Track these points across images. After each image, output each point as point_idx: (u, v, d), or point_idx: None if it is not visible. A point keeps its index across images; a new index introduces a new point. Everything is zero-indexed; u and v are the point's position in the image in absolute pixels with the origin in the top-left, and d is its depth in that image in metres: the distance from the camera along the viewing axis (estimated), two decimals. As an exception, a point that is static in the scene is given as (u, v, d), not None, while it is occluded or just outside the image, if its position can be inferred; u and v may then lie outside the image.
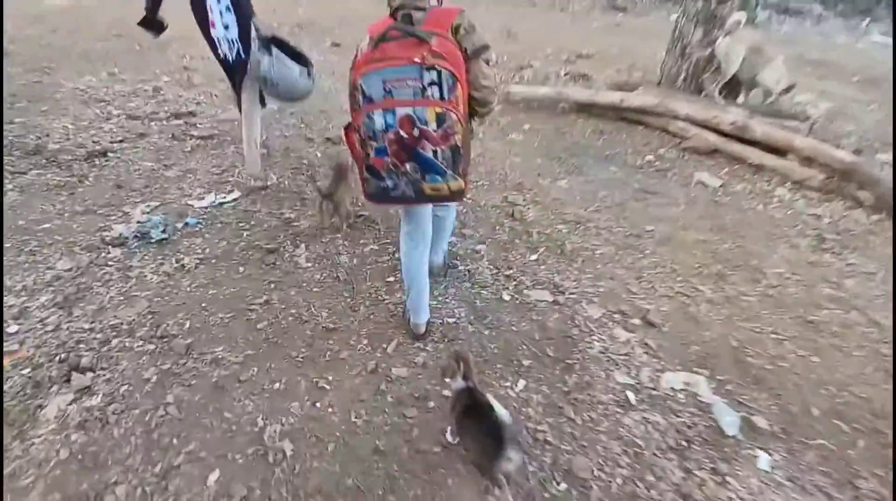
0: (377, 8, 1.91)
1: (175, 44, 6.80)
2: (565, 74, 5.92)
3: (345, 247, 2.67)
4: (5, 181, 3.01)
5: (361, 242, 2.72)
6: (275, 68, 2.58)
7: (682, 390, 1.91)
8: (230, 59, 2.63)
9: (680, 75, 4.65)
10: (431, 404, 1.80)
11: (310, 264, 2.52)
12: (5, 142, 3.40)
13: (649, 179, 3.56)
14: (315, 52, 5.36)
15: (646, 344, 2.12)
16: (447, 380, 1.62)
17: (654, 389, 1.91)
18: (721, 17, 4.28)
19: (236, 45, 2.57)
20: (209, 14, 2.49)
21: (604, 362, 2.02)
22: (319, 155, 3.66)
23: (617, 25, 9.65)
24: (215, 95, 4.76)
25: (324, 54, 6.05)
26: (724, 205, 3.30)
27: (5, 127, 3.60)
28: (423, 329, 2.03)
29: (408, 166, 1.53)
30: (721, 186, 3.51)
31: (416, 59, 1.37)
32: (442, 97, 1.43)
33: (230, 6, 2.48)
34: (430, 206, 1.84)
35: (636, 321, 2.25)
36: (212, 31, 2.54)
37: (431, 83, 1.40)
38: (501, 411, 1.47)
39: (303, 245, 2.65)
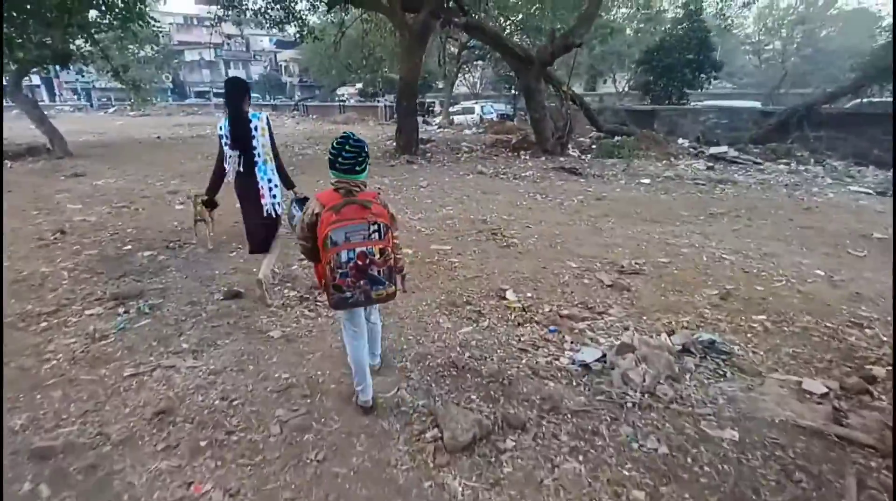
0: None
1: None
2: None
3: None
4: None
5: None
6: None
7: None
8: (274, 212, 3.79)
9: None
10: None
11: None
12: None
13: None
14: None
15: None
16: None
17: None
18: None
19: (279, 206, 3.84)
20: (260, 190, 3.66)
21: None
22: None
23: (599, 200, 7.66)
24: None
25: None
26: None
27: None
28: (370, 403, 2.56)
29: (362, 282, 2.24)
30: None
31: (368, 219, 2.19)
32: (380, 238, 2.23)
33: (275, 185, 3.76)
34: (363, 314, 2.58)
35: None
36: (262, 200, 3.69)
37: (374, 232, 2.20)
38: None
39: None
